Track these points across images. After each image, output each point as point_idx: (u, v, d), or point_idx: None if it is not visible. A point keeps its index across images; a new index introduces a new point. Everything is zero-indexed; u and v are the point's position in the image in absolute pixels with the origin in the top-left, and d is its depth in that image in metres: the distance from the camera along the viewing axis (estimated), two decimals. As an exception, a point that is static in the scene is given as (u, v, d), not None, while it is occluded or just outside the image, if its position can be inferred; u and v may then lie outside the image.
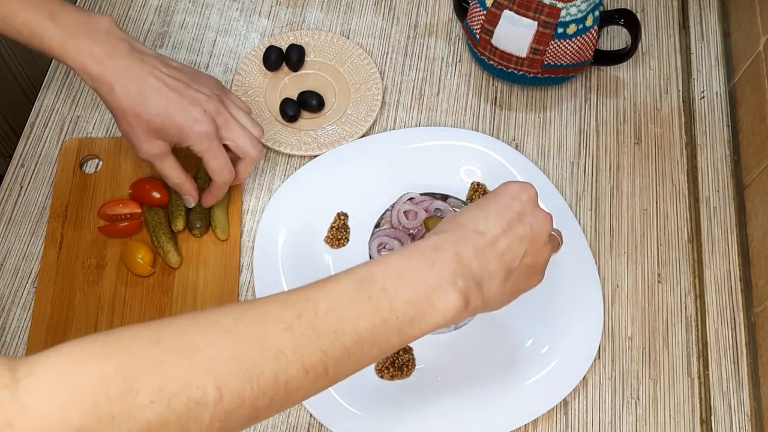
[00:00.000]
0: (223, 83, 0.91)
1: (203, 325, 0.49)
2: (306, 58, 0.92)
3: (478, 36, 0.86)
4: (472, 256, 0.57)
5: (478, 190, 0.83)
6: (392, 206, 0.76)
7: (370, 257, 0.73)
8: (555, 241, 0.66)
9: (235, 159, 0.76)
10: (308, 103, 0.87)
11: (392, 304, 0.53)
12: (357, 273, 0.55)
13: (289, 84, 0.90)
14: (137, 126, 0.71)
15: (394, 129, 0.88)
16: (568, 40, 0.83)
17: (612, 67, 0.92)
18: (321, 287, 0.53)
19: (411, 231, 0.75)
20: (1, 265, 0.79)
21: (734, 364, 0.76)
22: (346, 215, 0.82)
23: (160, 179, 0.82)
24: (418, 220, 0.74)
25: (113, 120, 0.87)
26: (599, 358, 0.76)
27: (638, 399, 0.74)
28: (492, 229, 0.59)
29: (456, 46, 0.94)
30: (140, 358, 0.46)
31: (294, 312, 0.51)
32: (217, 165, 0.74)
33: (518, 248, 0.60)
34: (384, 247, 0.73)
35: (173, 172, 0.75)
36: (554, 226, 0.66)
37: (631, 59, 0.89)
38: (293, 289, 0.54)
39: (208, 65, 0.92)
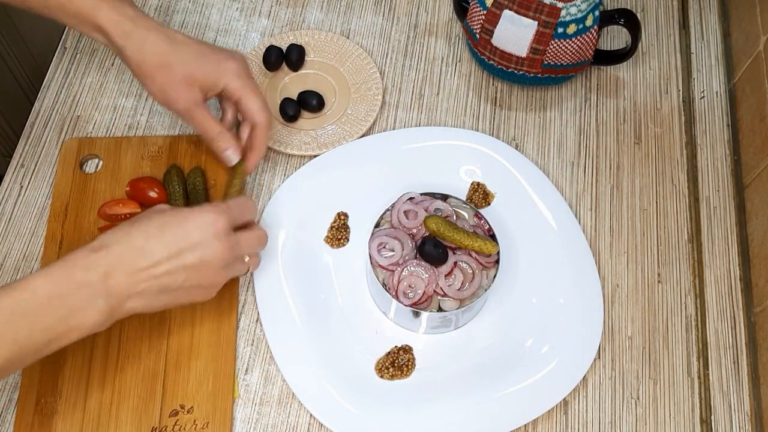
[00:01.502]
0: (223, 83, 0.91)
1: None
2: (306, 58, 0.92)
3: (478, 36, 0.86)
4: (123, 277, 0.62)
5: (478, 190, 0.83)
6: (392, 206, 0.76)
7: (370, 257, 0.73)
8: (240, 265, 0.70)
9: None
10: (308, 103, 0.87)
11: (30, 333, 0.59)
12: (3, 304, 0.58)
13: (289, 84, 0.90)
14: (172, 75, 0.73)
15: (394, 129, 0.88)
16: (568, 40, 0.83)
17: (612, 66, 0.92)
18: None
19: (411, 231, 0.75)
20: (1, 265, 0.79)
21: (734, 363, 0.76)
22: (346, 215, 0.82)
23: (157, 178, 0.82)
24: (418, 220, 0.74)
25: (113, 120, 0.88)
26: (599, 358, 0.76)
27: (638, 399, 0.74)
28: (157, 253, 0.63)
29: (456, 46, 0.94)
30: None
31: None
32: (258, 102, 0.75)
33: (179, 274, 0.64)
34: (384, 247, 0.73)
35: (211, 123, 0.76)
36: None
37: (631, 59, 0.89)
38: None
39: (208, 65, 0.92)
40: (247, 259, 0.70)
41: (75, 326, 0.61)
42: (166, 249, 0.63)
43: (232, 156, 0.77)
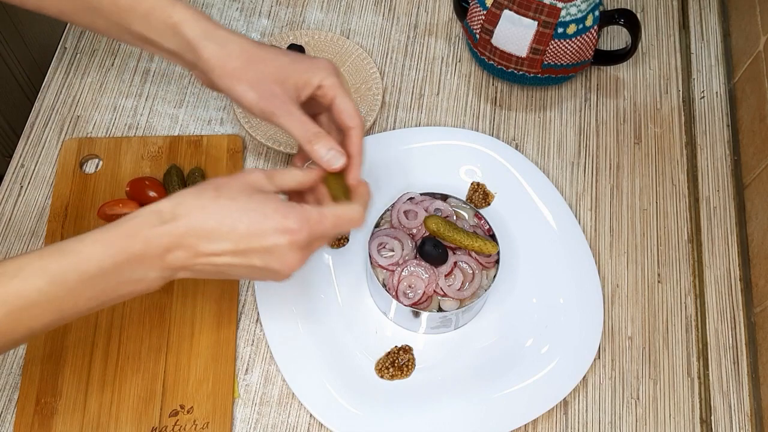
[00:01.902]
0: (223, 83, 0.91)
1: None
2: (306, 58, 0.91)
3: (478, 36, 0.86)
4: (182, 255, 0.58)
5: (478, 190, 0.83)
6: (392, 206, 0.76)
7: (370, 257, 0.73)
8: (304, 254, 0.61)
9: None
10: (308, 103, 0.87)
11: (76, 302, 0.56)
12: (50, 271, 0.55)
13: (289, 84, 0.90)
14: (264, 70, 0.65)
15: (394, 129, 0.88)
16: (568, 40, 0.83)
17: (612, 67, 0.92)
18: (6, 284, 0.54)
19: (411, 231, 0.75)
20: (1, 265, 0.79)
21: (734, 363, 0.76)
22: (346, 215, 0.82)
23: (157, 178, 0.82)
24: (418, 220, 0.74)
25: (113, 120, 0.88)
26: (599, 358, 0.76)
27: (638, 399, 0.74)
28: (224, 245, 0.58)
29: (456, 46, 0.94)
30: None
31: None
32: (351, 104, 0.66)
33: (239, 269, 0.60)
34: (384, 247, 0.73)
35: (309, 121, 0.65)
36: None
37: (631, 59, 0.89)
38: None
39: (208, 65, 0.92)
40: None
41: (123, 295, 0.58)
42: (234, 244, 0.58)
43: (336, 158, 0.65)
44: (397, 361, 0.74)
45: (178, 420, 0.71)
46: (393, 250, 0.73)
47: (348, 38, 0.94)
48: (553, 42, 0.82)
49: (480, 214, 0.76)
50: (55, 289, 0.55)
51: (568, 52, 0.83)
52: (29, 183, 0.84)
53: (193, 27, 0.64)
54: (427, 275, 0.72)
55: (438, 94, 0.91)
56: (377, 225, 0.76)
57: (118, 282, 0.57)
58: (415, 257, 0.73)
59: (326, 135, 0.65)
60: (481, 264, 0.73)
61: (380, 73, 0.91)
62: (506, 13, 0.82)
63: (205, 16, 0.66)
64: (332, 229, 0.61)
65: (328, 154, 0.65)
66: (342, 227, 0.62)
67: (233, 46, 0.65)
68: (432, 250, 0.72)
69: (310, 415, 0.73)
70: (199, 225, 0.58)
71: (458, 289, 0.72)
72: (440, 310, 0.72)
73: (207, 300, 0.76)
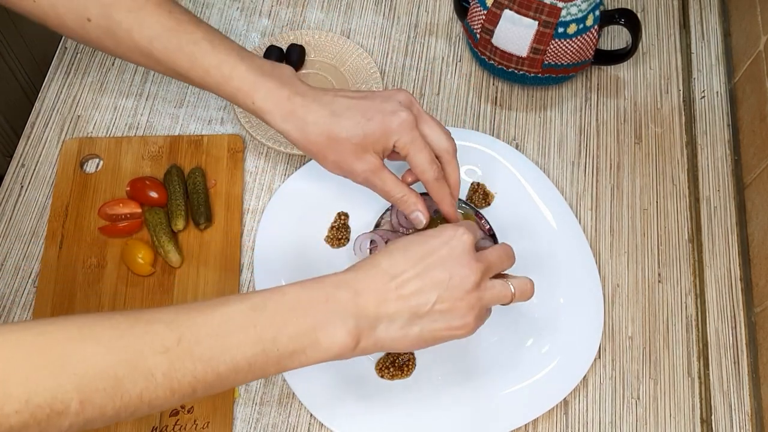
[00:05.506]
0: (224, 83, 0.91)
1: (82, 337, 0.51)
2: (306, 58, 0.92)
3: (478, 36, 0.86)
4: (372, 296, 0.58)
5: (477, 190, 0.82)
6: (392, 206, 0.76)
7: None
8: (498, 288, 0.63)
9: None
10: (308, 102, 0.87)
11: (276, 335, 0.55)
12: (251, 299, 0.57)
13: (290, 84, 0.90)
14: (342, 149, 0.69)
15: (394, 129, 0.88)
16: (568, 40, 0.83)
17: (612, 66, 0.92)
18: (211, 311, 0.55)
19: (410, 231, 0.75)
20: (2, 264, 0.79)
21: (734, 363, 0.76)
22: (346, 215, 0.82)
23: (157, 178, 0.82)
24: (418, 220, 0.74)
25: (113, 120, 0.88)
26: (599, 358, 0.76)
27: (638, 399, 0.74)
28: (405, 272, 0.60)
29: (456, 46, 0.94)
30: (15, 366, 0.48)
31: (175, 336, 0.53)
32: (423, 159, 0.69)
33: (429, 293, 0.59)
34: (376, 247, 0.73)
35: (395, 186, 0.71)
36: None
37: (631, 59, 0.89)
38: (189, 305, 0.56)
39: (208, 65, 0.92)
40: (512, 287, 0.64)
41: (320, 340, 0.57)
42: (412, 266, 0.60)
43: (421, 218, 0.71)
44: (397, 361, 0.74)
45: (178, 420, 0.71)
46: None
47: (348, 38, 0.94)
48: (553, 42, 0.82)
49: (480, 213, 0.76)
50: (256, 314, 0.56)
51: (568, 51, 0.83)
52: (29, 183, 0.84)
53: (273, 115, 0.70)
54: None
55: (438, 93, 0.91)
56: (377, 225, 0.76)
57: (315, 321, 0.57)
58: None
59: (410, 196, 0.71)
60: (481, 264, 0.73)
61: (380, 73, 0.91)
62: (507, 12, 0.82)
63: (284, 96, 0.69)
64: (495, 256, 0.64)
65: (412, 214, 0.71)
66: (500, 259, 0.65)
67: (311, 129, 0.69)
68: None
69: (311, 415, 0.73)
70: (375, 268, 0.60)
71: (458, 289, 0.72)
72: (440, 310, 0.72)
73: (207, 299, 0.76)
